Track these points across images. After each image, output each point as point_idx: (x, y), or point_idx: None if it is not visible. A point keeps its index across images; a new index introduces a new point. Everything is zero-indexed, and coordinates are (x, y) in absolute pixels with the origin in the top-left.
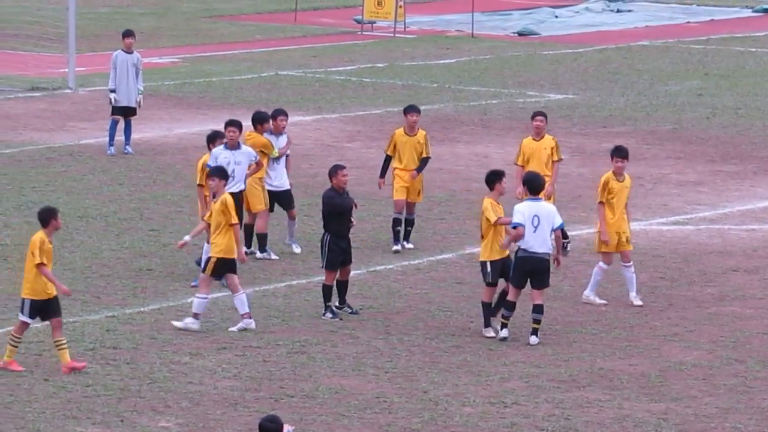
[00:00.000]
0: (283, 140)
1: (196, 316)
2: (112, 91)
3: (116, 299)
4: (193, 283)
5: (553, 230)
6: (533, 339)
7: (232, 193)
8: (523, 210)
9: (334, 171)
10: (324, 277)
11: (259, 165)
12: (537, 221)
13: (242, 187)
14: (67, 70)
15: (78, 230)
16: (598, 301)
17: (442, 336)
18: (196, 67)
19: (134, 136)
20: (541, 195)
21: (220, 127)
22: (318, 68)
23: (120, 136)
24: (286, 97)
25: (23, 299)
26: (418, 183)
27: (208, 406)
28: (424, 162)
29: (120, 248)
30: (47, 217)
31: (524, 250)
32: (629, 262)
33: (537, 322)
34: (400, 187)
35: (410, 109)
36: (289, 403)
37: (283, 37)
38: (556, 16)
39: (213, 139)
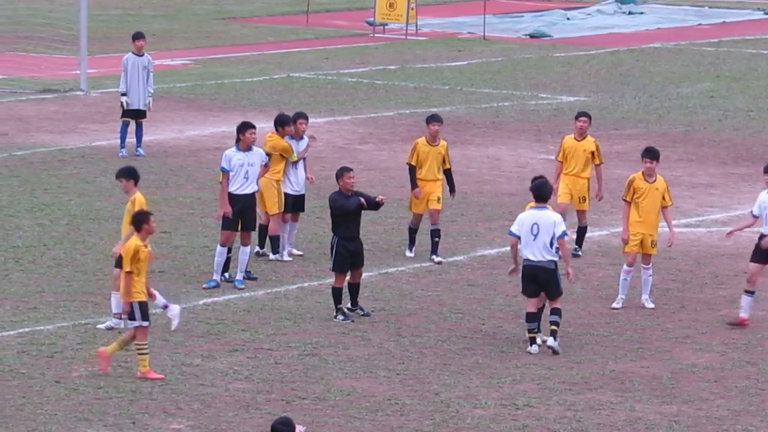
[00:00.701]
0: (303, 144)
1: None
2: (123, 94)
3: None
4: (204, 285)
5: (557, 238)
6: (551, 341)
7: (245, 194)
8: (523, 219)
9: (341, 173)
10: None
11: (267, 167)
12: (536, 229)
13: (255, 188)
14: (78, 72)
15: (90, 232)
16: (650, 304)
17: (453, 338)
18: (208, 69)
19: (146, 138)
20: (585, 203)
21: (232, 128)
22: (330, 70)
23: (131, 138)
24: (298, 99)
25: (131, 304)
26: (437, 189)
27: (219, 408)
28: (449, 175)
29: None
30: (140, 221)
31: (527, 259)
32: (649, 264)
33: (555, 324)
34: (419, 200)
35: (432, 119)
36: (300, 405)
37: (295, 39)
38: (568, 19)
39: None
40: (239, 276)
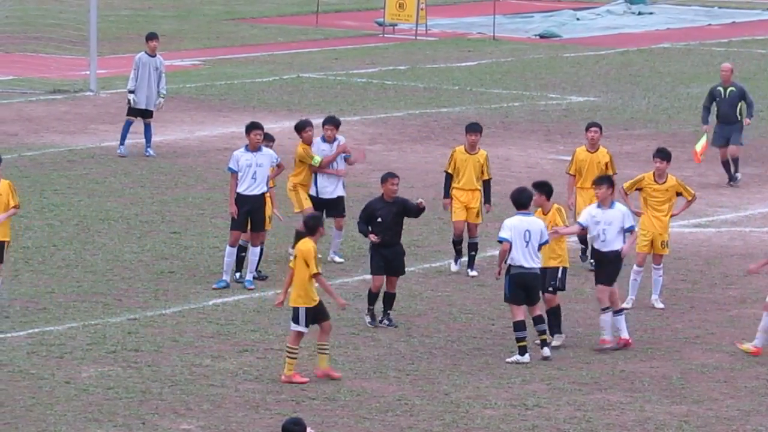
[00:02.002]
0: (334, 148)
1: None
2: (131, 92)
3: (138, 302)
4: (214, 286)
5: (540, 245)
6: (546, 351)
7: (254, 195)
8: (513, 225)
9: (384, 178)
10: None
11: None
12: (528, 236)
13: (264, 189)
14: (88, 72)
15: (99, 233)
16: (660, 305)
17: (463, 338)
18: (218, 70)
19: (156, 138)
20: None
21: (242, 129)
22: (340, 71)
23: (139, 139)
24: (307, 99)
25: (297, 308)
26: (476, 202)
27: (229, 409)
28: (487, 186)
29: (141, 251)
30: (315, 225)
31: (518, 266)
32: (660, 265)
33: (542, 333)
34: (458, 209)
35: (470, 129)
36: (310, 405)
37: (305, 40)
38: (578, 19)
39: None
40: (249, 276)
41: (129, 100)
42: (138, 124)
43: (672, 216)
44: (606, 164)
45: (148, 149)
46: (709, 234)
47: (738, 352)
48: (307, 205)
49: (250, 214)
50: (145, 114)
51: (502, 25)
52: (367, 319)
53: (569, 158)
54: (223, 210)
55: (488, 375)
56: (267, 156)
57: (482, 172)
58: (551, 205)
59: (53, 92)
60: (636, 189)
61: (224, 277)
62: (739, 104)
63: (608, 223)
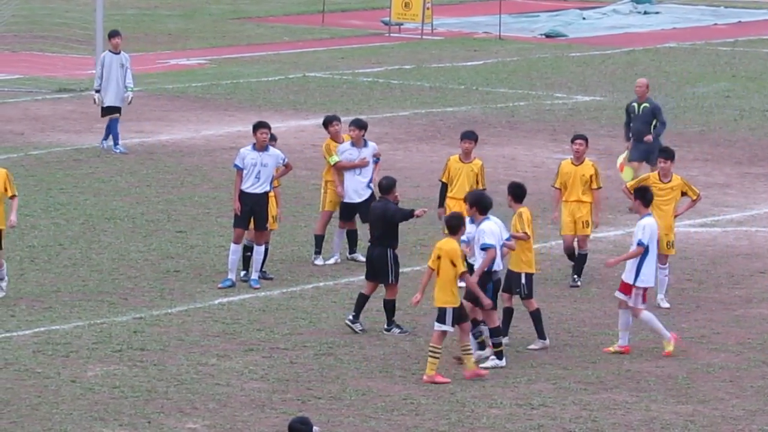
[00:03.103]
0: (366, 152)
1: None
2: (97, 91)
3: (143, 301)
4: (220, 285)
5: (502, 245)
6: (486, 351)
7: (256, 194)
8: (492, 230)
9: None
10: (389, 293)
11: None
12: (500, 240)
13: (267, 188)
14: (94, 71)
15: (105, 232)
16: (665, 304)
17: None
18: (224, 69)
19: (162, 137)
20: (588, 227)
21: (248, 128)
22: (346, 70)
23: (146, 138)
24: (313, 98)
25: (443, 308)
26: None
27: (235, 408)
28: None
29: (147, 250)
30: (458, 225)
31: (496, 272)
32: (666, 265)
33: (481, 334)
34: (440, 220)
35: (464, 136)
36: (316, 404)
37: (311, 39)
38: (584, 18)
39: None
40: (254, 276)
41: (94, 99)
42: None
43: (676, 216)
44: (591, 177)
45: (104, 142)
46: (715, 233)
47: (744, 352)
48: (329, 208)
49: (252, 212)
50: (113, 110)
51: (507, 24)
52: (396, 330)
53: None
54: (229, 209)
55: (494, 374)
56: (273, 156)
57: (477, 182)
58: (517, 208)
59: (59, 91)
60: None
61: (229, 276)
62: (654, 121)
63: None
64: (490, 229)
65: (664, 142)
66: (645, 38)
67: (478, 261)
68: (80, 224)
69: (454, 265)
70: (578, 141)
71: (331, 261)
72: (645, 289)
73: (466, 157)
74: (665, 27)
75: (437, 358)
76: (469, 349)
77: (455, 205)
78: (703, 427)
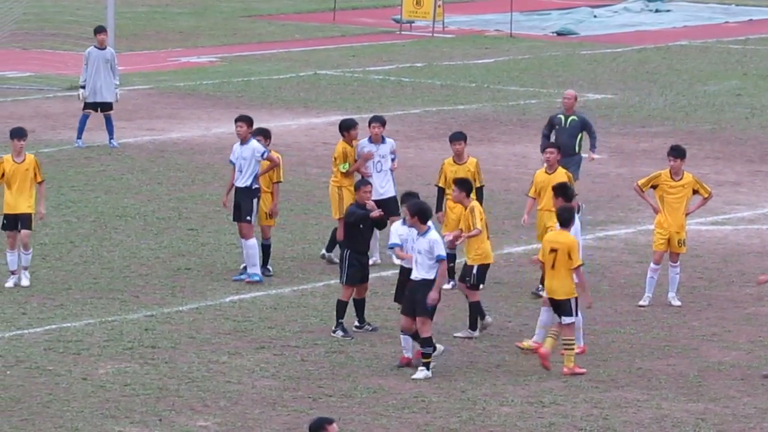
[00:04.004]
0: (384, 148)
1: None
2: (82, 87)
3: (155, 298)
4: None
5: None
6: (421, 373)
7: (239, 187)
8: (440, 239)
9: (358, 186)
10: (342, 293)
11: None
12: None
13: (247, 182)
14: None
15: (117, 229)
16: (677, 302)
17: (480, 335)
18: (235, 67)
19: (173, 135)
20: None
21: (259, 126)
22: (357, 68)
23: (156, 136)
24: (324, 96)
25: (566, 301)
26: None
27: (246, 406)
28: (479, 194)
29: (158, 247)
30: (570, 217)
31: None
32: (677, 263)
33: (426, 356)
34: (452, 220)
35: (453, 138)
36: (327, 402)
37: (322, 37)
38: (595, 16)
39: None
40: (254, 270)
41: (79, 95)
42: (99, 118)
43: (687, 214)
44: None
45: (112, 141)
46: (726, 232)
47: (755, 350)
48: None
49: (237, 206)
50: (103, 107)
51: (519, 22)
52: (339, 333)
53: (585, 155)
54: None
55: (505, 372)
56: (250, 149)
57: (474, 180)
58: (470, 202)
59: (70, 89)
60: (651, 186)
61: (255, 270)
62: (580, 135)
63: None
64: (440, 239)
65: (676, 140)
66: (656, 36)
67: (422, 268)
68: (91, 222)
69: (570, 257)
70: (549, 150)
71: (370, 262)
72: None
73: (459, 158)
74: (676, 25)
75: (572, 349)
76: (572, 346)
77: (456, 207)
78: (714, 425)
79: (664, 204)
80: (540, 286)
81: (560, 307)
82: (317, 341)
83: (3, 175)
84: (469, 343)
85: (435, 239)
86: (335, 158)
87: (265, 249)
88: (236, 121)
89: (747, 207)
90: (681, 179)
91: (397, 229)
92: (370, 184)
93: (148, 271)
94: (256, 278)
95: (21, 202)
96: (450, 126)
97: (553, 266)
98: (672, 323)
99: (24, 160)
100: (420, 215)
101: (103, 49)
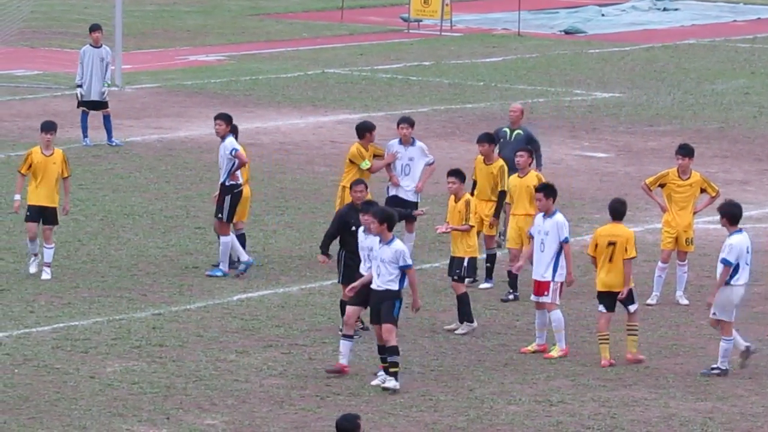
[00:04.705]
0: (413, 150)
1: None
2: (79, 86)
3: (162, 297)
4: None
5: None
6: (390, 383)
7: (221, 184)
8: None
9: (351, 186)
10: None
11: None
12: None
13: (222, 178)
14: (113, 68)
15: (124, 228)
16: (684, 301)
17: (488, 334)
18: (243, 65)
19: (181, 133)
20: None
21: (268, 125)
22: (364, 66)
23: (166, 135)
24: (332, 95)
25: (630, 289)
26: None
27: (254, 404)
28: (500, 198)
29: (166, 246)
30: (624, 210)
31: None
32: (685, 262)
33: (393, 365)
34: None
35: (479, 140)
36: (335, 401)
37: (330, 36)
38: (603, 15)
39: (364, 129)
40: (221, 266)
41: (77, 94)
42: (98, 117)
43: (695, 212)
44: (535, 188)
45: (112, 140)
46: None
47: (763, 349)
48: None
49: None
50: (98, 106)
51: (527, 20)
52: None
53: (593, 154)
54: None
55: (512, 371)
56: (223, 147)
57: (497, 184)
58: (463, 194)
59: (78, 87)
60: (659, 185)
61: (242, 262)
62: None
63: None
64: (406, 249)
65: (684, 139)
66: (664, 35)
67: (385, 278)
68: (99, 221)
69: (626, 250)
70: (519, 154)
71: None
72: (562, 284)
73: (487, 159)
74: (684, 23)
75: (637, 335)
76: (635, 332)
77: (478, 205)
78: (722, 424)
79: (671, 203)
80: (511, 290)
81: (627, 300)
82: (325, 340)
83: (30, 166)
84: (476, 342)
85: (401, 249)
86: (350, 159)
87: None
88: (215, 119)
89: (755, 206)
90: (689, 178)
91: (358, 237)
92: (363, 184)
93: (155, 269)
94: (219, 273)
95: (45, 196)
96: (458, 125)
97: (610, 259)
98: (680, 322)
99: (52, 153)
100: (389, 222)
101: (99, 47)
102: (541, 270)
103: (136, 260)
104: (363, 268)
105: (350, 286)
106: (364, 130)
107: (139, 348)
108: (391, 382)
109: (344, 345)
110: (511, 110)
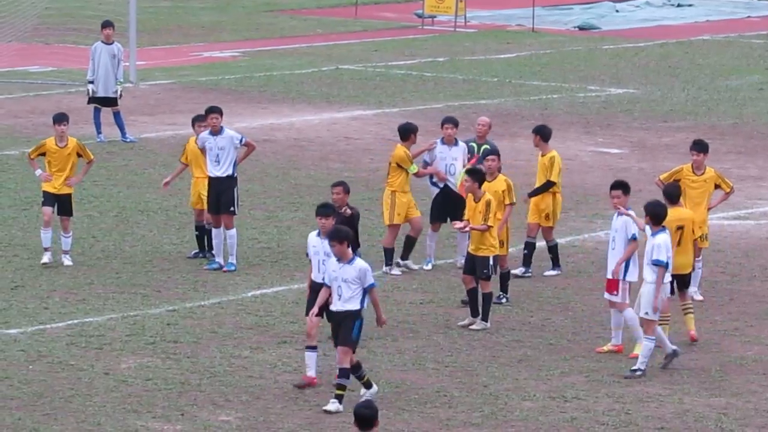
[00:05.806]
0: (456, 151)
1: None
2: (90, 82)
3: (177, 293)
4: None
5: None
6: (333, 405)
7: (217, 177)
8: (315, 243)
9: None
10: None
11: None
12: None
13: (229, 171)
14: (128, 64)
15: (139, 224)
16: (699, 297)
17: (502, 330)
18: (257, 62)
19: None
20: (503, 247)
21: (282, 121)
22: (379, 62)
23: (181, 131)
24: (346, 91)
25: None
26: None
27: (268, 400)
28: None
29: (181, 242)
30: (679, 194)
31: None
32: (699, 257)
33: (340, 387)
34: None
35: (485, 154)
36: (348, 397)
37: (344, 32)
38: (617, 11)
39: (406, 132)
40: (231, 260)
41: (88, 91)
42: (108, 115)
43: (710, 208)
44: (503, 192)
45: (126, 136)
46: (749, 226)
47: None
48: (398, 221)
49: (217, 196)
50: (109, 102)
51: (541, 16)
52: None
53: (607, 150)
54: (261, 201)
55: (527, 367)
56: (227, 138)
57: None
58: (483, 193)
59: (89, 84)
60: (673, 181)
61: (216, 259)
62: None
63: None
64: (368, 267)
65: (698, 135)
66: (678, 31)
67: (345, 298)
68: (114, 217)
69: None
70: (489, 158)
71: (429, 267)
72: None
73: (490, 176)
74: (698, 19)
75: (693, 312)
76: (690, 310)
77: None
78: (736, 419)
79: (686, 198)
80: (502, 293)
81: (687, 280)
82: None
83: (44, 154)
84: (490, 338)
85: (365, 267)
86: (396, 163)
87: (208, 234)
88: (210, 112)
89: None
90: (703, 174)
91: (311, 240)
92: (343, 185)
93: (170, 265)
94: (233, 267)
95: (60, 185)
96: (472, 121)
97: (679, 243)
98: (694, 317)
99: (66, 144)
100: (349, 241)
101: (110, 44)
102: (612, 268)
103: (150, 256)
104: (315, 275)
105: (311, 312)
106: (409, 132)
107: (154, 344)
108: (333, 405)
109: (309, 356)
110: (479, 123)
